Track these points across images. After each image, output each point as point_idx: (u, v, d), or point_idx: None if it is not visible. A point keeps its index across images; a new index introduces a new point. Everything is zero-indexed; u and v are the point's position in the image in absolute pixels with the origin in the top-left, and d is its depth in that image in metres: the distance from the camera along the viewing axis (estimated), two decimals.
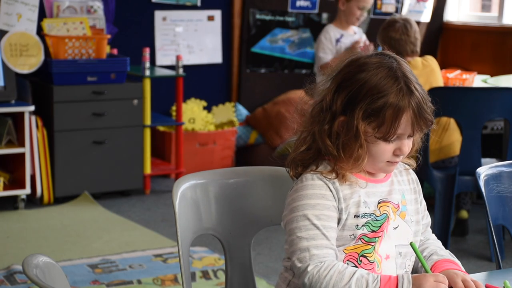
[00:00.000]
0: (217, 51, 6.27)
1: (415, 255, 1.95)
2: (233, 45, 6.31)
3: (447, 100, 4.22)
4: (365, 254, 1.86)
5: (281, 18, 6.39)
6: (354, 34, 5.43)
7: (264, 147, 6.12)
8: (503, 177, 2.40)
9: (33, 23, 5.06)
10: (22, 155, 5.01)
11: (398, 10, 6.68)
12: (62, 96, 5.14)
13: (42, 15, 5.27)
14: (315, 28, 6.48)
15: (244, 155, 6.17)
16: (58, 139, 5.16)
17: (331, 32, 5.39)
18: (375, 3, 6.62)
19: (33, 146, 5.06)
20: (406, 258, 1.92)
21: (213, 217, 2.19)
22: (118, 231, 4.70)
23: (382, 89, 1.80)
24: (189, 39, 6.14)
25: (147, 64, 5.43)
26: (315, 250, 1.79)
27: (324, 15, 6.49)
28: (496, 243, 2.32)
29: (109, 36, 5.34)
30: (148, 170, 5.48)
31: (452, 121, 4.57)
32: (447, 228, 4.42)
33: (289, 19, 6.42)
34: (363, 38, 5.45)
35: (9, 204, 5.09)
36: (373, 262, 1.86)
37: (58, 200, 5.22)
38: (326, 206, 1.83)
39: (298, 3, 6.41)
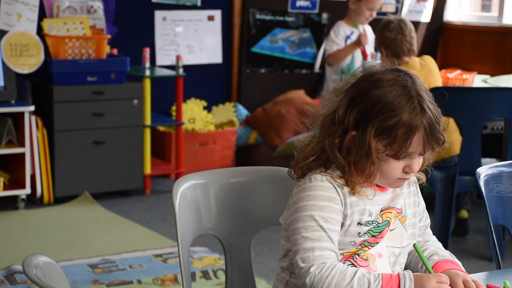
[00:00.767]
0: (217, 51, 6.27)
1: (407, 253, 1.96)
2: (233, 45, 6.31)
3: (447, 100, 4.22)
4: (358, 253, 1.87)
5: (281, 18, 6.39)
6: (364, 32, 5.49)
7: (264, 147, 6.12)
8: (503, 177, 2.40)
9: (33, 23, 5.06)
10: (22, 155, 5.01)
11: (398, 10, 6.67)
12: (62, 96, 5.14)
13: (42, 15, 5.27)
14: (315, 28, 6.48)
15: (244, 155, 6.17)
16: (58, 139, 5.16)
17: (341, 28, 5.49)
18: None
19: (33, 146, 5.06)
20: (401, 255, 1.93)
21: (213, 217, 2.19)
22: (118, 231, 4.70)
23: (395, 107, 1.79)
24: (189, 39, 6.14)
25: (147, 64, 5.43)
26: (319, 252, 1.79)
27: (324, 15, 6.49)
28: (496, 243, 2.32)
29: (109, 36, 5.34)
30: (148, 170, 5.48)
31: (451, 121, 4.57)
32: (447, 228, 4.42)
33: (289, 19, 6.42)
34: (372, 36, 5.48)
35: (9, 204, 5.09)
36: (367, 260, 1.87)
37: (58, 200, 5.22)
38: (333, 210, 1.82)
39: (298, 3, 6.41)
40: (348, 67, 5.46)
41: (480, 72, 5.95)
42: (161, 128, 5.91)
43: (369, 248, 1.87)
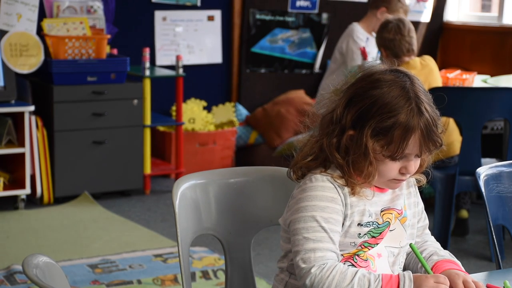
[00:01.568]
0: (217, 51, 6.27)
1: (406, 252, 1.96)
2: (233, 45, 6.31)
3: (447, 100, 4.22)
4: (358, 253, 1.87)
5: (281, 18, 6.39)
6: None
7: (264, 147, 6.12)
8: (503, 177, 2.40)
9: (33, 23, 5.06)
10: (22, 155, 5.01)
11: None
12: (62, 96, 5.14)
13: (42, 15, 5.27)
14: (315, 28, 6.48)
15: (244, 155, 6.17)
16: (58, 139, 5.16)
17: (359, 33, 5.46)
18: None
19: (33, 146, 5.06)
20: (399, 255, 1.93)
21: (213, 217, 2.19)
22: (118, 231, 4.70)
23: (393, 108, 1.79)
24: (189, 39, 6.14)
25: (147, 64, 5.43)
26: (320, 253, 1.79)
27: (324, 15, 6.49)
28: (496, 243, 2.32)
29: (109, 36, 5.34)
30: (148, 170, 5.48)
31: (451, 121, 4.57)
32: (447, 228, 4.42)
33: (289, 19, 6.42)
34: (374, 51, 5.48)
35: (9, 204, 5.09)
36: (367, 260, 1.87)
37: (58, 200, 5.22)
38: (335, 210, 1.82)
39: (298, 3, 6.41)
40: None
41: (480, 72, 5.95)
42: (161, 128, 5.92)
43: (369, 249, 1.87)
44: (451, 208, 4.41)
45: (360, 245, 1.86)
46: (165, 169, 5.79)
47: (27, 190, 5.02)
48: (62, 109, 5.14)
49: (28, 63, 5.06)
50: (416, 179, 1.98)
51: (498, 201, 2.37)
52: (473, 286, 1.78)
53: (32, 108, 5.01)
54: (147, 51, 5.46)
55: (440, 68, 5.67)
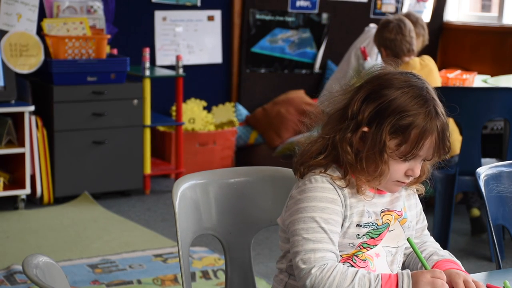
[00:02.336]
0: (217, 51, 6.27)
1: (403, 252, 1.96)
2: (233, 45, 6.31)
3: (446, 100, 4.22)
4: (356, 254, 1.87)
5: (281, 18, 6.39)
6: None
7: (264, 147, 6.12)
8: (503, 177, 2.40)
9: (33, 23, 5.06)
10: (22, 155, 5.01)
11: (398, 10, 6.67)
12: (62, 96, 5.14)
13: (42, 15, 5.27)
14: (315, 28, 6.48)
15: (244, 155, 6.17)
16: (58, 139, 5.16)
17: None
18: (375, 3, 6.62)
19: (33, 146, 5.06)
20: (397, 254, 1.93)
21: (213, 217, 2.19)
22: (118, 231, 4.70)
23: (412, 108, 1.80)
24: (189, 39, 6.14)
25: (147, 64, 5.43)
26: (320, 253, 1.78)
27: (324, 15, 6.49)
28: (496, 243, 2.32)
29: (109, 36, 5.34)
30: (148, 170, 5.48)
31: (451, 121, 4.57)
32: (447, 228, 4.41)
33: (289, 19, 6.42)
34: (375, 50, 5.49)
35: (9, 204, 5.09)
36: (365, 260, 1.87)
37: (58, 200, 5.22)
38: (334, 211, 1.82)
39: (298, 3, 6.41)
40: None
41: (480, 72, 5.95)
42: (161, 128, 5.91)
43: (368, 250, 1.87)
44: (451, 208, 4.41)
45: (358, 246, 1.86)
46: (165, 169, 5.79)
47: (27, 190, 5.02)
48: (62, 109, 5.14)
49: (28, 63, 5.06)
50: (415, 188, 1.97)
51: (498, 201, 2.37)
52: (473, 285, 1.78)
53: (32, 108, 5.01)
54: (147, 51, 5.46)
55: (440, 68, 5.67)
